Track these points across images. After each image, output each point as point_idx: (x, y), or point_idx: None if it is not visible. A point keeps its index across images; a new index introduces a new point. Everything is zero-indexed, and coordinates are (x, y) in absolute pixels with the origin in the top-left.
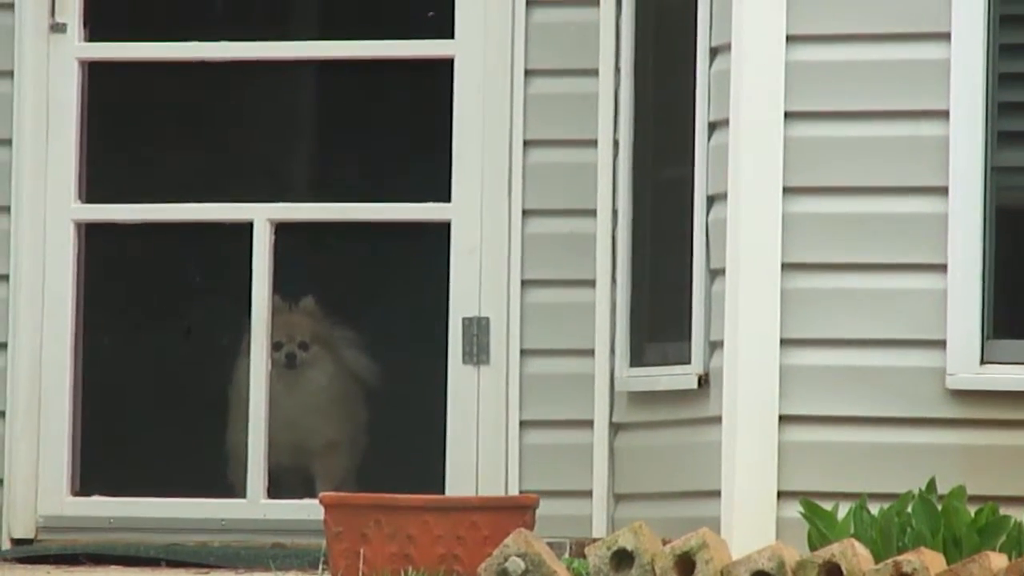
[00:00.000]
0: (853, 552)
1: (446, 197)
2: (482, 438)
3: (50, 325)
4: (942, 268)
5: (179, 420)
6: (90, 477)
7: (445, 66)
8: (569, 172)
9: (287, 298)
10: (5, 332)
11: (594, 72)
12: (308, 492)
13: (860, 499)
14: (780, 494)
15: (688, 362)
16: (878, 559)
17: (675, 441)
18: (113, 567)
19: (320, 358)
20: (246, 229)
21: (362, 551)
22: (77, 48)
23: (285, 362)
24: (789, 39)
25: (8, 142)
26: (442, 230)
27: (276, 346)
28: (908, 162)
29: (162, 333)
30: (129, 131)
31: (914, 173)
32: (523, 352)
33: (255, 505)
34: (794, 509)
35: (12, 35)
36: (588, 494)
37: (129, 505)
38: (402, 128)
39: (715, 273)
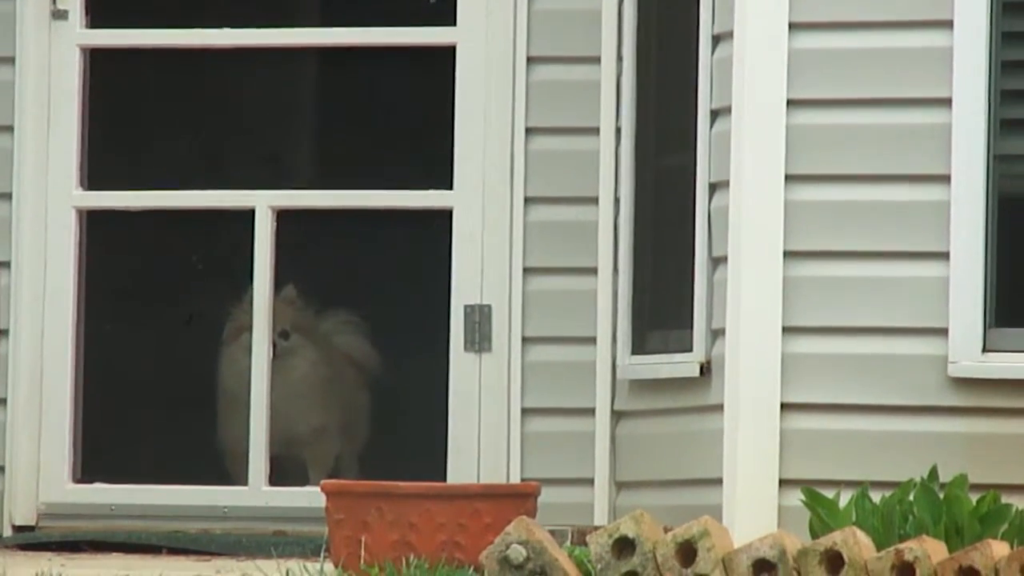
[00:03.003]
0: (855, 540)
1: (448, 184)
2: (484, 426)
3: (51, 312)
4: (944, 256)
5: (181, 407)
6: (91, 464)
7: (447, 53)
8: (571, 160)
9: (274, 287)
10: (6, 319)
11: (596, 59)
12: (302, 480)
13: (862, 487)
14: (782, 482)
15: (690, 350)
16: (880, 547)
17: (677, 429)
18: (114, 554)
19: (302, 346)
20: (248, 216)
21: (363, 539)
22: (78, 35)
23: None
24: (791, 26)
25: (10, 129)
26: (444, 217)
27: None
28: (910, 150)
29: (163, 320)
30: (130, 118)
31: (916, 161)
32: (525, 340)
33: (257, 492)
34: (796, 497)
35: (14, 22)
36: (590, 482)
37: (130, 492)
38: (404, 115)
39: (717, 261)
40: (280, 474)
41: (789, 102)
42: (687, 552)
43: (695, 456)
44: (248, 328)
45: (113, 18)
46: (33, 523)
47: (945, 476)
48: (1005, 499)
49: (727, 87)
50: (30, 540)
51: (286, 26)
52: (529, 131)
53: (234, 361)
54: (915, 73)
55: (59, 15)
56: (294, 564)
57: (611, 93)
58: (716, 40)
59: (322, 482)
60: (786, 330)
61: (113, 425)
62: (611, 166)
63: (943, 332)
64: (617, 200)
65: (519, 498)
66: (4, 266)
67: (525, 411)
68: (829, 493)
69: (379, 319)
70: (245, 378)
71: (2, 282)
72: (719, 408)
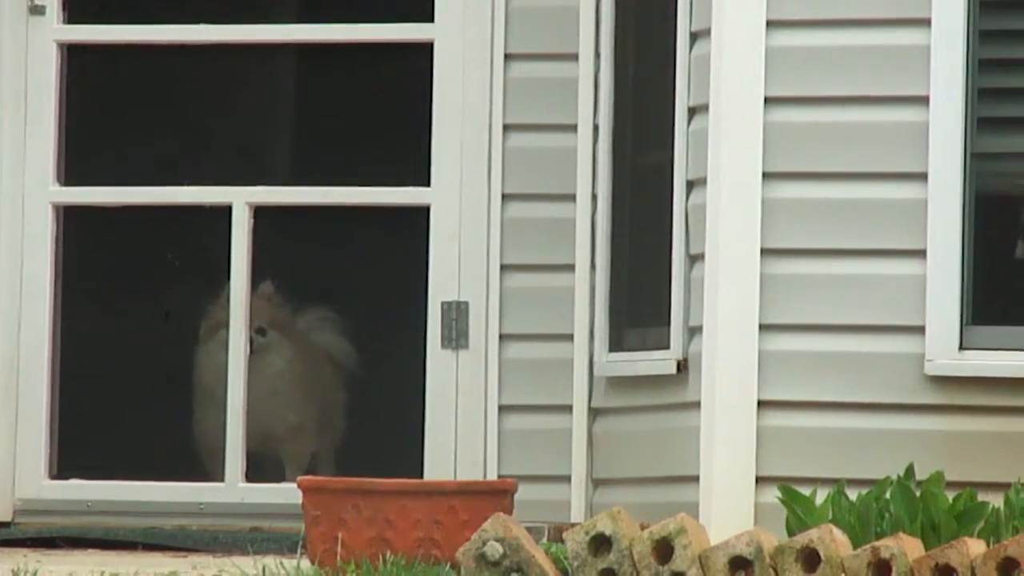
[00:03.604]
0: (831, 537)
1: (425, 181)
2: (461, 422)
3: (28, 308)
4: (921, 254)
5: (157, 403)
6: (68, 460)
7: (425, 50)
8: (549, 157)
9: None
10: None
11: (574, 56)
12: (278, 477)
13: (838, 485)
14: (759, 479)
15: (667, 347)
16: (856, 544)
17: (654, 426)
18: (90, 550)
19: (278, 343)
20: (225, 212)
21: (340, 535)
22: (56, 30)
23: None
24: (769, 24)
25: None
26: (421, 214)
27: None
28: (888, 148)
29: (140, 316)
30: (108, 114)
31: (894, 159)
32: (502, 337)
33: (233, 489)
34: (772, 494)
35: None
36: (567, 479)
37: (107, 488)
38: (382, 112)
39: (694, 258)
40: (257, 470)
41: (766, 99)
42: (664, 549)
43: (672, 453)
44: (225, 324)
45: (90, 14)
46: (9, 519)
47: (922, 474)
48: (981, 497)
49: (704, 84)
50: (6, 536)
51: (264, 23)
52: (507, 128)
53: (211, 357)
54: (892, 71)
55: (36, 11)
56: (270, 560)
57: (589, 90)
58: (694, 37)
59: (299, 478)
60: (763, 328)
61: (90, 421)
62: (589, 163)
63: (920, 330)
64: (595, 197)
65: (496, 495)
66: None
67: (502, 408)
68: (806, 490)
69: (356, 315)
70: (222, 374)
71: None
72: (696, 405)
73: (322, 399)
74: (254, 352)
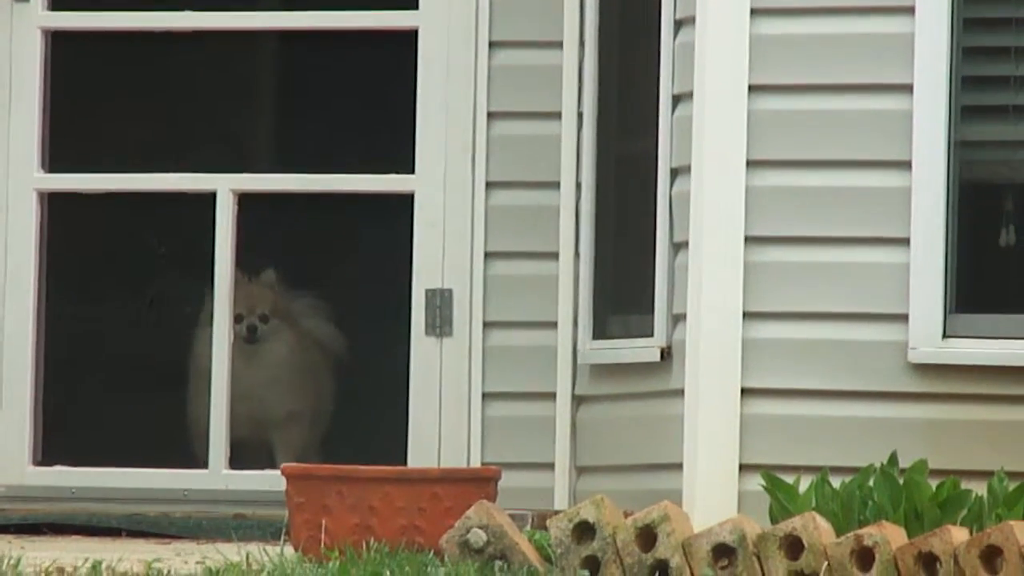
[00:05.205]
0: (814, 525)
1: (410, 168)
2: (444, 410)
3: (12, 294)
4: (905, 242)
5: (141, 390)
6: (52, 447)
7: (409, 37)
8: (533, 144)
9: (247, 270)
10: None
11: (559, 44)
12: (270, 463)
13: (822, 472)
14: (742, 467)
15: (651, 335)
16: (839, 532)
17: (637, 414)
18: (74, 537)
19: (280, 330)
20: (209, 199)
21: (324, 522)
22: (40, 17)
23: (246, 335)
24: (753, 12)
25: None
26: (405, 201)
27: (237, 318)
28: (872, 136)
29: (125, 303)
30: (92, 100)
31: (878, 147)
32: (486, 324)
33: (217, 476)
34: (756, 482)
35: None
36: (550, 466)
37: (91, 475)
38: (366, 99)
39: (678, 246)
40: (248, 457)
41: (751, 87)
42: (647, 537)
43: (656, 441)
44: (243, 313)
45: (74, 0)
46: None
47: (905, 462)
48: (964, 485)
49: (689, 72)
50: None
51: (249, 9)
52: (491, 115)
53: (208, 343)
54: (876, 59)
55: None
56: (254, 547)
57: (573, 78)
58: (678, 25)
59: (283, 465)
60: (747, 315)
61: (74, 408)
62: (573, 151)
63: (903, 318)
64: (579, 185)
65: (479, 482)
66: None
67: (486, 395)
68: (789, 478)
69: (341, 303)
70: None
71: None
72: (680, 393)
73: (316, 387)
74: (258, 340)
